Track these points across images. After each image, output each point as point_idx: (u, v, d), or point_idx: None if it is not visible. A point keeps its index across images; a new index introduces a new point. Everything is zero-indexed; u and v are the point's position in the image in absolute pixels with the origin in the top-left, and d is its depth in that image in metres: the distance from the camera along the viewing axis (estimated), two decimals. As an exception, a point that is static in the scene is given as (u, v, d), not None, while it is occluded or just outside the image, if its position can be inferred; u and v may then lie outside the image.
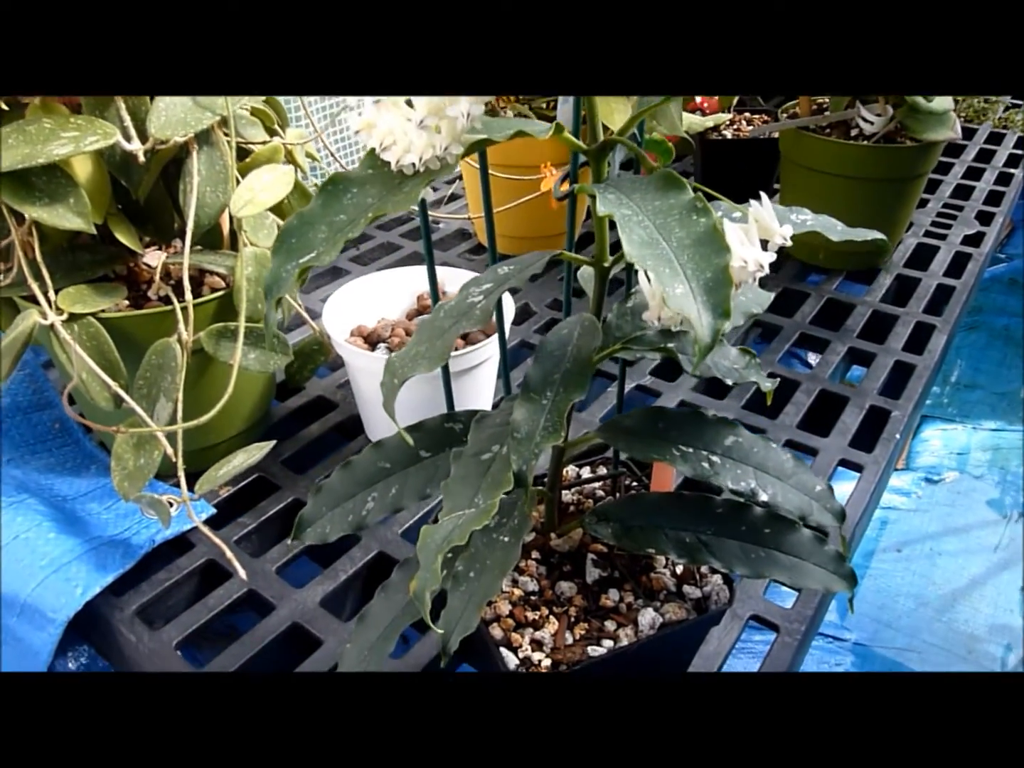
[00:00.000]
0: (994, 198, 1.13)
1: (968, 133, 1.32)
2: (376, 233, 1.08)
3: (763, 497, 0.38)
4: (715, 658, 0.51)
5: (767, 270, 0.31)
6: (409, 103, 0.29)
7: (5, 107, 0.49)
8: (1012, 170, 1.21)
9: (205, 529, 0.53)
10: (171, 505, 0.57)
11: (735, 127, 1.07)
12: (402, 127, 0.28)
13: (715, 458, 0.38)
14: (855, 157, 0.85)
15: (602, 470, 0.50)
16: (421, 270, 0.73)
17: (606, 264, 0.37)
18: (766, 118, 1.09)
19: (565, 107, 0.78)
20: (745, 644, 0.96)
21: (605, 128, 0.44)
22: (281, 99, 0.66)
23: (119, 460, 0.54)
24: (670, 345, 0.38)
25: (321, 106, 1.08)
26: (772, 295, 0.44)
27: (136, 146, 0.50)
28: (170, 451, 0.53)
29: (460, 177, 1.18)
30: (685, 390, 0.76)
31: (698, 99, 1.10)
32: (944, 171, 1.21)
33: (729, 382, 0.38)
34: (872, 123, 0.84)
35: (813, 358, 0.95)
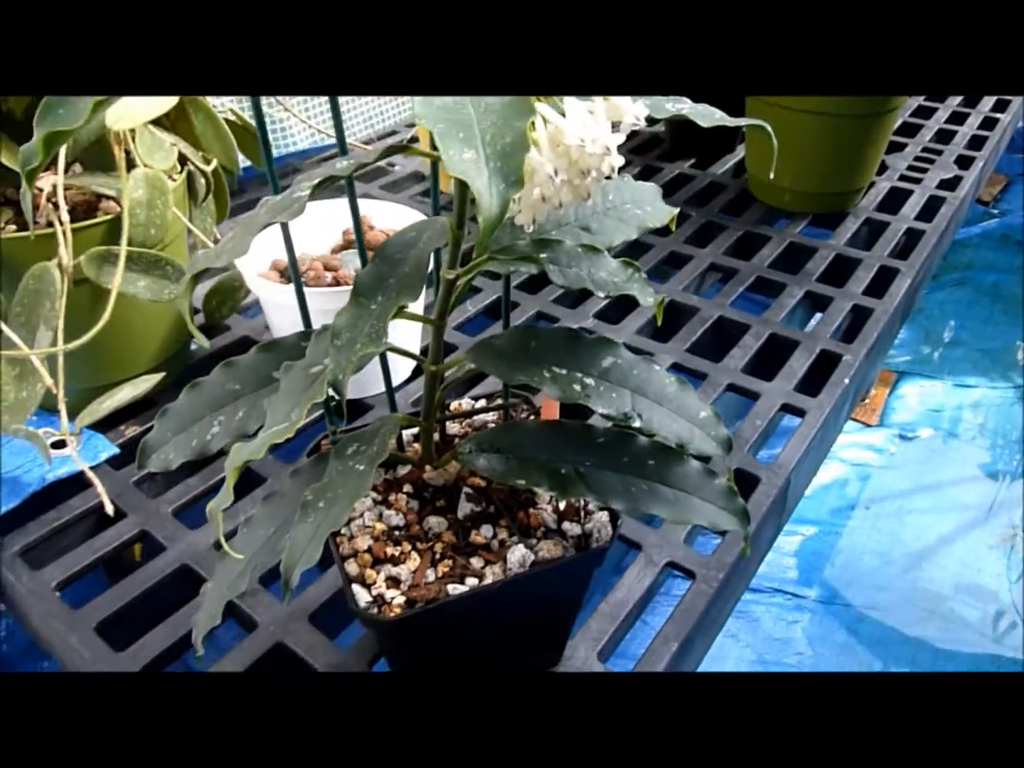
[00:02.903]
0: (976, 143, 1.08)
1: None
2: (328, 175, 1.04)
3: (638, 423, 0.34)
4: (623, 605, 0.48)
5: (615, 155, 0.27)
6: None
7: None
8: (998, 115, 1.15)
9: (86, 468, 0.50)
10: (62, 445, 0.54)
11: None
12: None
13: (589, 380, 0.35)
14: (819, 90, 0.81)
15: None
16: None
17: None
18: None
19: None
20: (661, 599, 0.93)
21: None
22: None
23: (-2, 392, 0.51)
24: (542, 255, 0.35)
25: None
26: (676, 210, 0.40)
27: None
28: (48, 381, 0.50)
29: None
30: (628, 333, 0.72)
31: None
32: (927, 115, 1.15)
33: (601, 295, 0.34)
34: (837, 53, 0.79)
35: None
